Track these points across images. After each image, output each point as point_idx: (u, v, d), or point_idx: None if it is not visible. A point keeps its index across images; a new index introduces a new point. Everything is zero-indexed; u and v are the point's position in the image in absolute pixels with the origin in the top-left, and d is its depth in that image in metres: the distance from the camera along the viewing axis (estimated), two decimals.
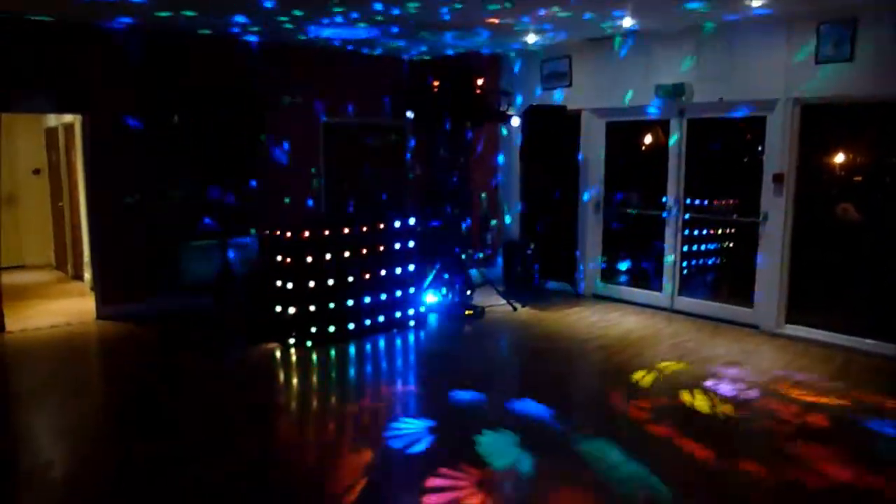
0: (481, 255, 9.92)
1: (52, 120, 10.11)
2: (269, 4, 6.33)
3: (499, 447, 4.49)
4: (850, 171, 7.20)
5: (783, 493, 3.94)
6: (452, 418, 5.02)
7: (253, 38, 8.10)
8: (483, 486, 3.96)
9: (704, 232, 8.37)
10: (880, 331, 6.48)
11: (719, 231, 8.50)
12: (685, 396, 5.39)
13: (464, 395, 5.42)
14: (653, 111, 8.04)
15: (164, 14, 6.76)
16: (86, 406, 5.36)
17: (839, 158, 7.17)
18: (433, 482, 3.99)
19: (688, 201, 7.99)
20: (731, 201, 8.10)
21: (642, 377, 5.84)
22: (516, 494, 4.00)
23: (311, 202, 8.93)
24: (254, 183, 8.22)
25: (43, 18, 6.90)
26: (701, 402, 5.26)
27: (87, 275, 8.91)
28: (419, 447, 4.51)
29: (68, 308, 8.14)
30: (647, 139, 8.78)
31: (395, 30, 7.55)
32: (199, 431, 4.82)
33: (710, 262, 8.59)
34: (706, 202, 8.13)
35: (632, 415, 5.08)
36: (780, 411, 5.09)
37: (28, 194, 10.79)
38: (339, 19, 6.96)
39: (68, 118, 9.11)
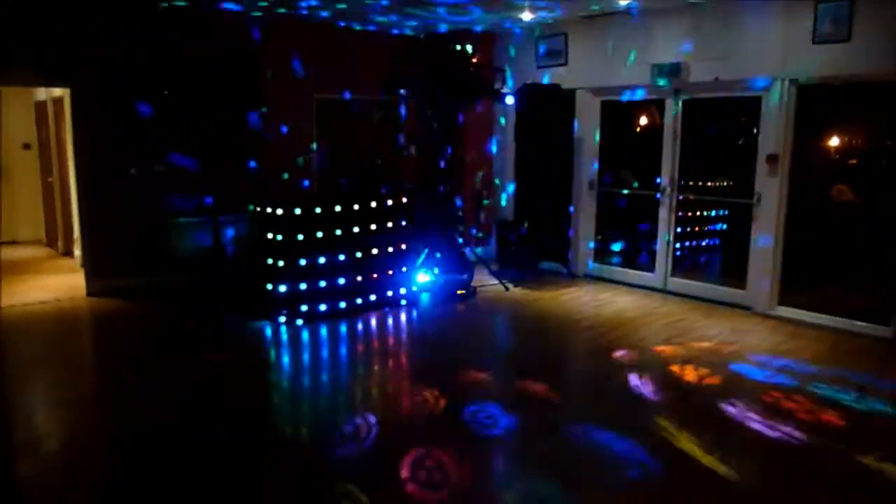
0: (474, 233, 9.88)
1: (42, 94, 9.98)
2: None
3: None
4: (846, 153, 7.18)
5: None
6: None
7: (241, 9, 7.98)
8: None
9: (699, 213, 8.36)
10: (872, 313, 6.49)
11: (713, 212, 8.49)
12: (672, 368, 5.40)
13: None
14: (649, 90, 7.97)
15: None
16: (74, 381, 5.33)
17: (835, 140, 7.14)
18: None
19: (682, 182, 7.96)
20: (726, 182, 8.09)
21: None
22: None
23: (306, 183, 8.86)
24: (247, 159, 8.13)
25: None
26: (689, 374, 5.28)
27: (78, 251, 8.84)
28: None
29: (58, 284, 8.09)
30: (643, 119, 8.72)
31: (385, 3, 7.44)
32: (189, 406, 4.80)
33: (703, 243, 8.58)
34: (701, 183, 8.11)
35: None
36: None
37: (18, 169, 10.68)
38: None
39: (57, 92, 8.99)
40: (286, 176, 8.61)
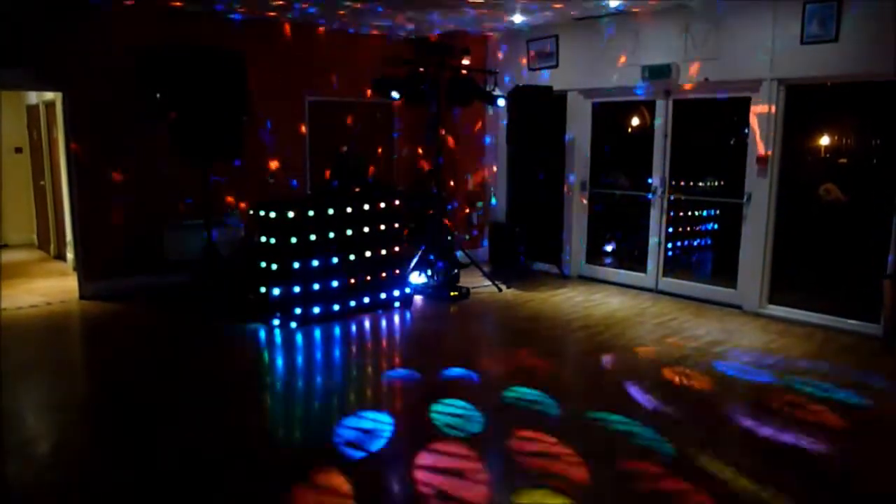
0: (467, 236, 9.91)
1: (34, 97, 9.97)
2: None
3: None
4: (835, 152, 7.24)
5: None
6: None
7: (237, 17, 8.00)
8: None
9: (690, 213, 8.41)
10: (862, 310, 6.55)
11: (704, 213, 8.54)
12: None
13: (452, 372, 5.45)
14: (639, 92, 8.02)
15: None
16: (65, 384, 5.33)
17: (824, 139, 7.20)
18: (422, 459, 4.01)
19: (673, 182, 8.01)
20: (717, 182, 8.14)
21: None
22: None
23: (294, 183, 8.88)
24: (239, 162, 8.13)
25: None
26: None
27: (70, 254, 8.83)
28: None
29: (50, 288, 8.08)
30: (634, 121, 8.77)
31: (380, 9, 7.48)
32: (181, 407, 4.81)
33: (694, 243, 8.64)
34: (692, 183, 8.16)
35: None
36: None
37: (10, 173, 10.65)
38: None
39: (49, 96, 8.99)
40: (271, 179, 8.63)
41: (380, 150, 9.82)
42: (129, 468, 3.97)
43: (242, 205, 8.35)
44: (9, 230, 10.84)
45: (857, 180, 6.88)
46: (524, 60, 9.20)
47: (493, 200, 10.03)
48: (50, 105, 9.13)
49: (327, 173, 8.86)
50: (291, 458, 4.15)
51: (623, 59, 8.06)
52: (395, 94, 7.94)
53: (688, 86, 7.56)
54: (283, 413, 5.00)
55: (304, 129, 8.94)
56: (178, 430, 4.46)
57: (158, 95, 7.57)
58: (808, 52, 6.54)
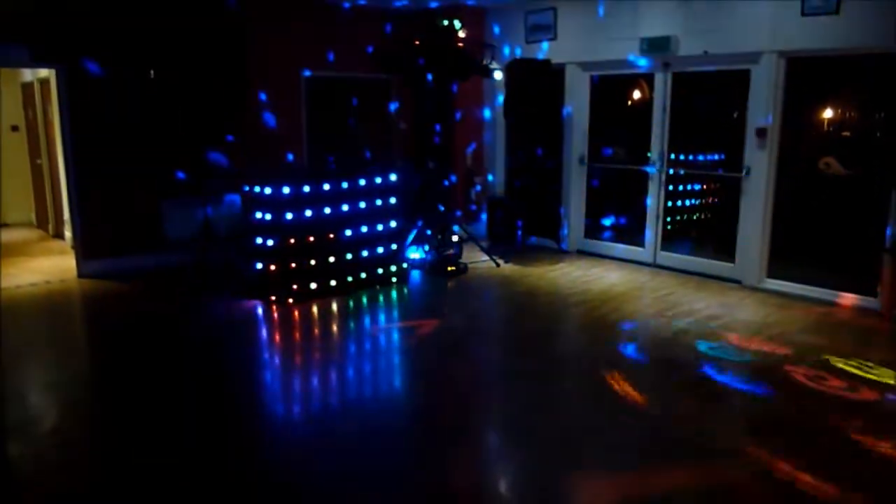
0: (464, 212, 9.88)
1: (28, 75, 9.89)
2: None
3: None
4: (837, 126, 7.17)
5: None
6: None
7: None
8: None
9: (689, 187, 8.35)
10: (861, 285, 6.53)
11: (703, 186, 8.49)
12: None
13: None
14: (638, 64, 7.94)
15: None
16: (64, 362, 5.35)
17: (826, 112, 7.12)
18: None
19: (672, 156, 7.95)
20: (717, 156, 8.07)
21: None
22: None
23: (290, 156, 8.83)
24: (233, 138, 8.09)
25: None
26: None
27: (68, 233, 8.82)
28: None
29: (48, 266, 8.08)
30: (632, 94, 8.69)
31: None
32: (181, 385, 4.84)
33: (693, 217, 8.59)
34: (691, 157, 8.10)
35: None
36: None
37: (7, 152, 10.60)
38: None
39: (44, 73, 8.91)
40: (271, 156, 8.59)
41: (377, 124, 9.76)
42: (128, 447, 3.99)
43: (240, 182, 8.32)
44: (8, 209, 10.83)
45: (859, 154, 6.82)
46: (522, 33, 9.09)
47: (491, 176, 9.98)
48: (44, 82, 9.06)
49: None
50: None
51: (622, 32, 7.96)
52: (392, 68, 7.83)
53: (687, 58, 7.46)
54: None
55: (301, 104, 8.87)
56: (178, 408, 4.49)
57: (153, 71, 7.56)
58: (809, 25, 6.44)
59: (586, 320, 6.31)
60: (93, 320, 6.58)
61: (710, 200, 8.53)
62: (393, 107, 9.86)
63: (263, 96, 8.47)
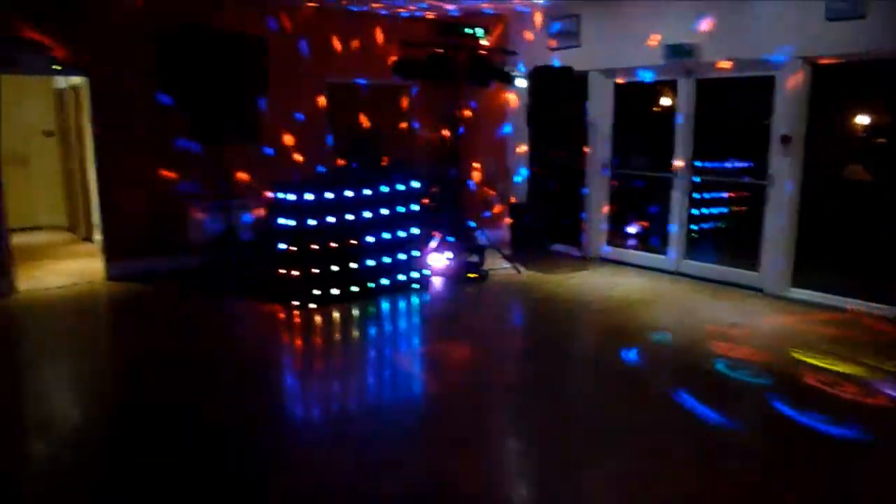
0: (487, 217, 9.89)
1: (61, 82, 10.13)
2: None
3: None
4: (863, 132, 7.06)
5: None
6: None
7: None
8: None
9: (712, 195, 8.28)
10: (885, 294, 6.42)
11: (727, 194, 8.40)
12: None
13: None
14: (662, 71, 7.90)
15: None
16: (89, 363, 5.48)
17: (857, 119, 7.02)
18: None
19: (696, 163, 7.90)
20: (741, 163, 7.99)
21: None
22: None
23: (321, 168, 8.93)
24: (260, 144, 8.20)
25: None
26: None
27: (98, 236, 9.00)
28: None
29: (77, 269, 8.25)
30: (656, 101, 8.65)
31: None
32: (203, 385, 4.93)
33: (717, 225, 8.51)
34: (716, 164, 8.03)
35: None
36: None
37: (41, 157, 10.86)
38: None
39: (76, 80, 9.12)
40: (294, 161, 8.68)
41: (398, 131, 9.81)
42: (150, 447, 4.08)
43: (264, 187, 8.44)
44: (40, 212, 11.07)
45: (887, 160, 6.70)
46: (545, 40, 9.10)
47: (515, 179, 9.97)
48: (77, 90, 9.27)
49: (339, 161, 8.91)
50: None
51: (645, 39, 7.93)
52: (414, 76, 7.88)
53: (710, 65, 7.41)
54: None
55: (323, 110, 8.96)
56: (200, 410, 4.57)
57: (180, 79, 7.67)
58: (835, 30, 6.36)
59: (605, 326, 6.30)
60: (119, 322, 6.71)
61: (735, 209, 8.45)
62: (415, 113, 9.91)
63: (284, 103, 8.57)
